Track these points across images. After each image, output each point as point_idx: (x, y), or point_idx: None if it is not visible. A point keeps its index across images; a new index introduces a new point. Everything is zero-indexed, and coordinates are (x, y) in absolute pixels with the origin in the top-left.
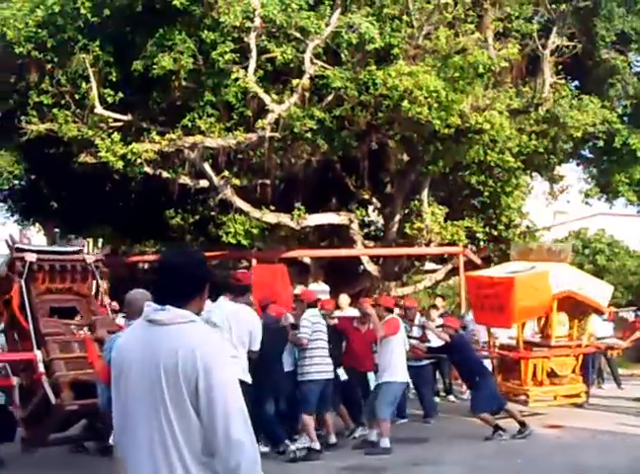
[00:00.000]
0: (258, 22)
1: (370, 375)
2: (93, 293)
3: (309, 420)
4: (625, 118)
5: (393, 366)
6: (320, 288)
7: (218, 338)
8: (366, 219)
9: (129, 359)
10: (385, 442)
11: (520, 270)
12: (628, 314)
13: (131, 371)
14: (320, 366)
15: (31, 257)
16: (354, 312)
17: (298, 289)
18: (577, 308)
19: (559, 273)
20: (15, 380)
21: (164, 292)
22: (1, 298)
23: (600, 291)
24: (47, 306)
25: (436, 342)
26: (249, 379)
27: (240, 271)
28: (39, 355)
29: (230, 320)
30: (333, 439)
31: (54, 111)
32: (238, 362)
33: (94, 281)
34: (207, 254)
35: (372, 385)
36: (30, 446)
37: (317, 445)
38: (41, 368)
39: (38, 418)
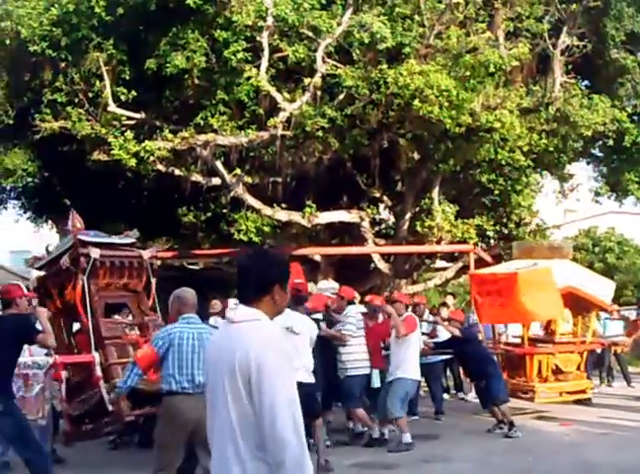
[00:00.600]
0: (270, 21)
1: (375, 373)
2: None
3: (362, 412)
4: (635, 118)
5: (406, 363)
6: (330, 286)
7: (278, 338)
8: (377, 217)
9: (209, 353)
10: (407, 438)
11: (522, 267)
12: (629, 313)
13: (209, 364)
14: (362, 362)
15: (95, 253)
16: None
17: (312, 287)
18: (579, 305)
19: (561, 269)
20: (64, 374)
21: (239, 292)
22: (58, 289)
23: (601, 288)
24: (104, 303)
25: (446, 338)
26: (312, 379)
27: (298, 280)
28: (97, 357)
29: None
30: (376, 433)
31: (68, 109)
32: (301, 367)
33: (146, 279)
34: (219, 251)
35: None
36: (72, 441)
37: (376, 433)
38: (99, 372)
39: (88, 417)
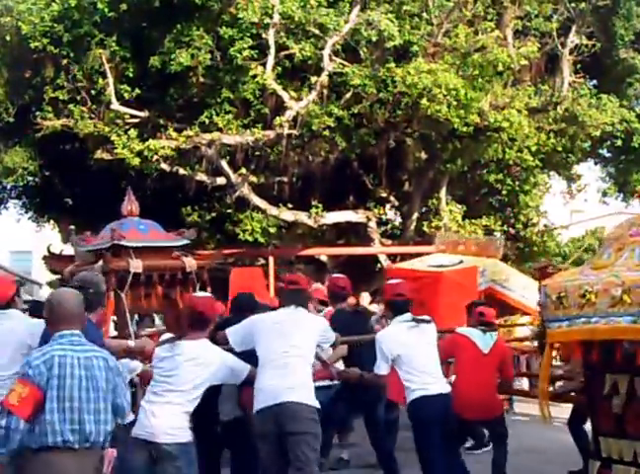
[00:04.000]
0: (277, 18)
1: None
2: None
3: None
4: None
5: None
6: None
7: None
8: (384, 217)
9: None
10: None
11: (445, 263)
12: None
13: None
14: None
15: (136, 267)
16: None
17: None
18: (503, 308)
19: (487, 268)
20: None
21: None
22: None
23: (526, 291)
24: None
25: None
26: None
27: (338, 276)
28: None
29: None
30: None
31: (70, 106)
32: None
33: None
34: (224, 252)
35: None
36: None
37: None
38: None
39: None
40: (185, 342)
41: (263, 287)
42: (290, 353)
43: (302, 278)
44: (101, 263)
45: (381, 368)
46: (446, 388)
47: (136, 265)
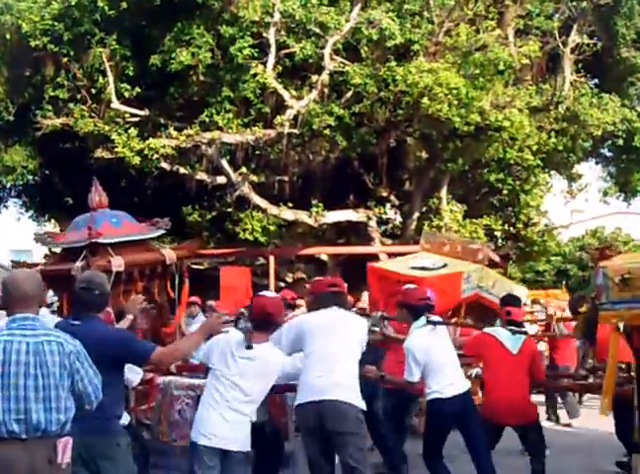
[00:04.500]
0: (277, 17)
1: None
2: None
3: None
4: None
5: None
6: None
7: None
8: (384, 217)
9: None
10: None
11: (428, 266)
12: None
13: None
14: None
15: (117, 266)
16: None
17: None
18: (487, 313)
19: (473, 274)
20: None
21: None
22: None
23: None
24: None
25: None
26: None
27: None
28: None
29: None
30: None
31: (70, 105)
32: None
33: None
34: (224, 251)
35: None
36: None
37: None
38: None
39: None
40: (255, 345)
41: (247, 286)
42: (338, 351)
43: (342, 282)
44: (79, 263)
45: (415, 376)
46: (464, 386)
47: (118, 263)
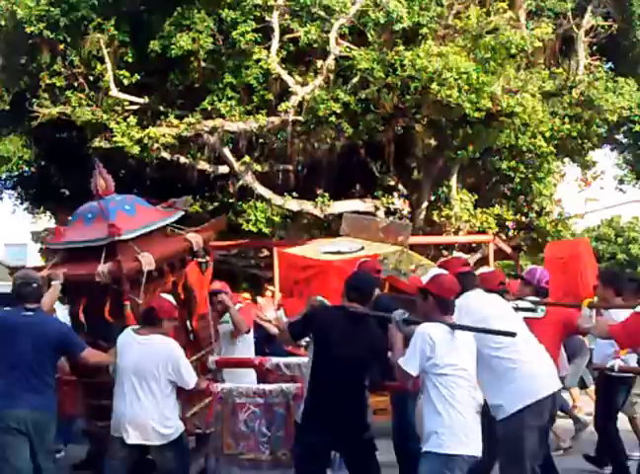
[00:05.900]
0: (281, 0)
1: None
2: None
3: None
4: None
5: None
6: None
7: None
8: (392, 206)
9: None
10: None
11: (344, 250)
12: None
13: None
14: None
15: (148, 264)
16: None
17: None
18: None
19: (390, 257)
20: None
21: None
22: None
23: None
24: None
25: None
26: None
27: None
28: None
29: None
30: None
31: (67, 93)
32: None
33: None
34: (227, 243)
35: None
36: None
37: None
38: None
39: None
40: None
41: None
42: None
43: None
44: (105, 266)
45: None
46: None
47: (148, 261)
